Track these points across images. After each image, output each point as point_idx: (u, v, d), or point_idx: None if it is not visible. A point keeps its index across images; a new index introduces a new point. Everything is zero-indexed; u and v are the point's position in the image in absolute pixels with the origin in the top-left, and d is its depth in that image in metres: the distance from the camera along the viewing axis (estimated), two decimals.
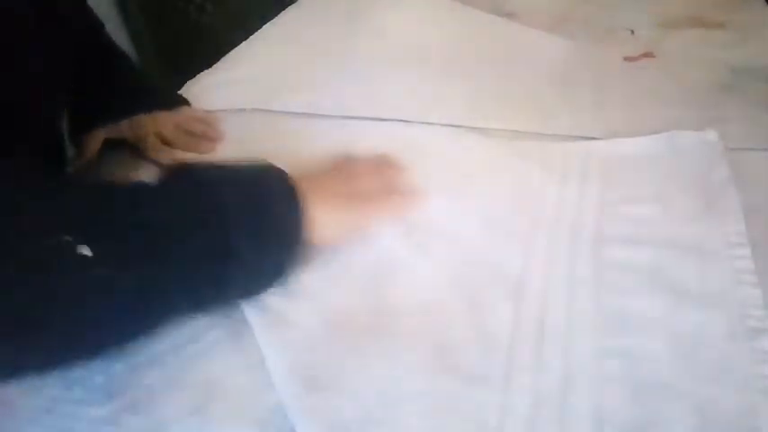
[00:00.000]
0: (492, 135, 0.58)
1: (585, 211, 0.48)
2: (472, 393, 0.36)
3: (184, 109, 0.64)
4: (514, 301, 0.41)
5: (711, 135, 0.53)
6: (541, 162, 0.54)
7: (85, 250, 0.30)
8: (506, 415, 0.34)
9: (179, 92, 0.69)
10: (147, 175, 0.58)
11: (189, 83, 0.72)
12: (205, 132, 0.62)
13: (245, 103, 0.67)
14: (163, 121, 0.61)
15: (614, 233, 0.46)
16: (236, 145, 0.61)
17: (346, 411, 0.36)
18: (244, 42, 0.82)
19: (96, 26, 0.63)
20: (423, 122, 0.61)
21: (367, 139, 0.59)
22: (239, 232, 0.36)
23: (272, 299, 0.42)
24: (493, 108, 0.62)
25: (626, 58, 0.71)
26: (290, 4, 0.93)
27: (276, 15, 0.89)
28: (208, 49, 0.79)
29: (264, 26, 0.86)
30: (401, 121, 0.62)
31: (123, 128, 0.61)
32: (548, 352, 0.37)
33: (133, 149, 0.61)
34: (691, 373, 0.35)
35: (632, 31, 0.77)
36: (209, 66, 0.76)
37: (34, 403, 0.38)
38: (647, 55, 0.71)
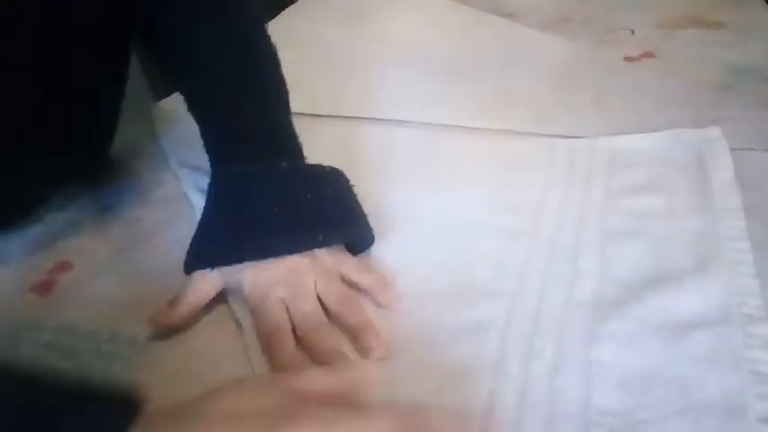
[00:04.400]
0: (492, 135, 0.58)
1: (589, 205, 0.48)
2: (459, 385, 0.35)
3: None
4: (512, 294, 0.41)
5: (714, 132, 0.54)
6: (545, 158, 0.54)
7: None
8: (494, 402, 0.34)
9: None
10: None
11: None
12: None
13: None
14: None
15: (617, 226, 0.46)
16: None
17: None
18: None
19: None
20: (423, 122, 0.61)
21: (367, 139, 0.59)
22: None
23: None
24: (493, 108, 0.62)
25: (626, 58, 0.71)
26: (290, 4, 0.93)
27: (276, 15, 0.89)
28: None
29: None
30: (401, 121, 0.62)
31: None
32: (540, 340, 0.37)
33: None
34: (680, 358, 0.35)
35: (632, 31, 0.77)
36: None
37: None
38: (647, 55, 0.71)
